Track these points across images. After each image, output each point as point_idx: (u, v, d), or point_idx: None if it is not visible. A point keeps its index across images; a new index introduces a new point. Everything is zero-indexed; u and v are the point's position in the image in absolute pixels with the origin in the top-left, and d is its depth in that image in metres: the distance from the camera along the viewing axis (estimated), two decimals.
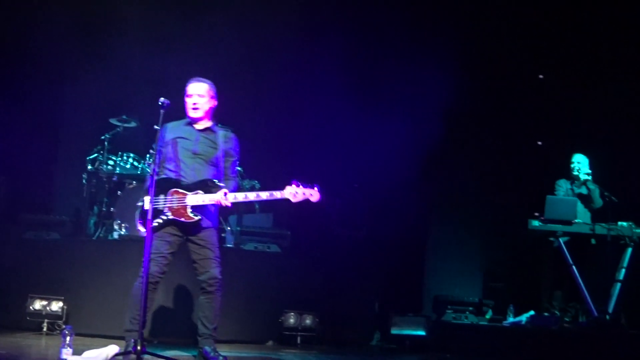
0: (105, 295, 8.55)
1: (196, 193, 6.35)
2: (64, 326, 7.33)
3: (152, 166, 6.18)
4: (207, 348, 6.45)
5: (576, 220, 9.30)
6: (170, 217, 6.30)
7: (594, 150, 10.23)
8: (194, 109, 6.54)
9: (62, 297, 8.50)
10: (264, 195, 6.53)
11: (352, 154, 11.44)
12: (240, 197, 6.56)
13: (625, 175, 10.60)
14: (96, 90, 11.23)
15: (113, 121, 9.88)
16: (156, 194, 6.32)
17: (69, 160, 11.41)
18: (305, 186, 6.45)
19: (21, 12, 10.84)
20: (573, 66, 11.45)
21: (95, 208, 10.01)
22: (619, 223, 9.19)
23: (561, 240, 9.25)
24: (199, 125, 6.61)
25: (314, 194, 6.46)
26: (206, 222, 6.47)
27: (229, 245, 10.02)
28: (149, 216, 6.01)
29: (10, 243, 9.49)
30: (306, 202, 6.46)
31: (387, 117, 11.27)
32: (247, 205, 10.65)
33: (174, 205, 6.30)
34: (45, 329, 8.44)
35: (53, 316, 8.47)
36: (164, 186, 6.39)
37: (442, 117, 11.30)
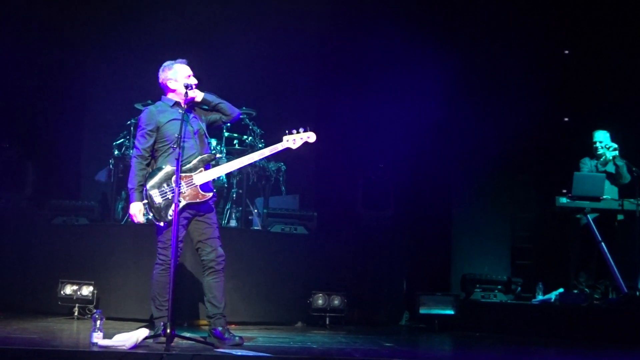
0: (135, 279, 8.63)
1: (199, 171, 6.38)
2: (94, 310, 7.42)
3: (177, 150, 6.16)
4: (220, 329, 6.45)
5: (604, 197, 9.21)
6: (184, 202, 6.29)
7: (621, 125, 10.15)
8: (188, 93, 6.45)
9: (92, 282, 8.60)
10: (267, 151, 6.69)
11: (376, 133, 11.42)
12: (246, 160, 6.67)
13: None
14: (122, 75, 11.30)
15: (138, 106, 9.90)
16: (159, 186, 6.32)
17: (95, 146, 11.49)
18: (299, 131, 6.59)
19: None
20: (599, 40, 11.32)
21: (123, 193, 10.06)
22: None
23: (589, 217, 9.17)
24: (183, 105, 6.49)
25: (310, 136, 6.63)
26: (212, 198, 6.52)
27: (256, 228, 10.06)
28: (175, 200, 6.03)
29: (40, 229, 9.60)
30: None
31: (409, 95, 11.24)
32: (274, 188, 10.70)
33: (184, 190, 6.30)
34: (76, 314, 8.55)
35: (84, 300, 8.57)
36: (164, 177, 6.35)
37: (467, 94, 11.26)
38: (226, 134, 10.17)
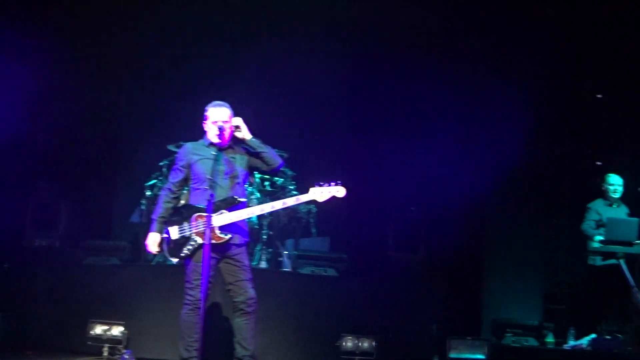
0: (165, 319, 8.61)
1: (221, 213, 6.38)
2: (124, 351, 7.44)
3: (209, 191, 6.21)
4: None
5: (636, 242, 9.11)
6: (200, 241, 6.32)
7: None
8: (220, 135, 6.53)
9: (123, 322, 8.60)
10: (290, 201, 6.68)
11: (408, 176, 11.42)
12: (267, 207, 6.70)
13: None
14: (155, 116, 11.44)
15: (171, 147, 10.00)
16: (179, 222, 6.39)
17: (128, 187, 11.59)
18: (330, 184, 6.56)
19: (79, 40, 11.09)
20: (631, 85, 11.33)
21: None
22: None
23: (622, 261, 9.08)
24: (214, 145, 6.60)
25: (340, 190, 6.58)
26: (239, 239, 6.54)
27: (286, 269, 10.05)
28: (205, 241, 6.05)
29: (71, 269, 9.64)
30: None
31: (442, 139, 11.25)
32: (304, 230, 10.70)
33: (201, 229, 6.32)
34: (106, 354, 8.53)
35: (114, 341, 8.55)
36: (185, 214, 6.45)
37: (499, 139, 11.24)
38: (258, 176, 10.21)
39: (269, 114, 11.34)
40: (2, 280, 9.60)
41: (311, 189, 6.58)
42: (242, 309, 6.47)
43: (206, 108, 6.75)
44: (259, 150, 6.68)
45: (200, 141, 6.79)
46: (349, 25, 11.67)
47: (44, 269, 9.63)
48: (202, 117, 6.80)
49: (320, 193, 6.55)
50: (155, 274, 9.17)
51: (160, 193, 6.73)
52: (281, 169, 10.10)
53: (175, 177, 6.65)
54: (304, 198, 6.61)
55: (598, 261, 9.36)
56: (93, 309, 8.90)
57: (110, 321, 8.60)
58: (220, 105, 6.70)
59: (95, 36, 11.27)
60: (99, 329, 8.57)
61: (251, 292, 6.50)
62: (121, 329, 8.57)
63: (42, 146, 10.85)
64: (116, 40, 11.45)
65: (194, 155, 6.63)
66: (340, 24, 11.62)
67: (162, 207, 6.57)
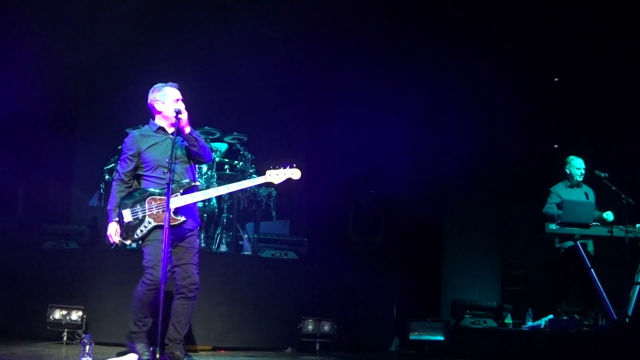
0: (124, 304, 8.47)
1: (175, 196, 6.34)
2: (83, 335, 7.38)
3: (168, 174, 6.17)
4: (177, 353, 6.42)
5: (593, 223, 9.23)
6: (154, 223, 6.29)
7: (613, 153, 10.22)
8: (177, 114, 6.34)
9: (82, 307, 8.53)
10: (246, 183, 6.72)
11: (368, 160, 11.45)
12: (223, 189, 6.69)
13: None
14: (114, 98, 11.32)
15: (129, 130, 9.89)
16: (132, 205, 6.35)
17: (86, 170, 11.49)
18: (285, 167, 6.57)
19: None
20: (588, 68, 11.44)
21: None
22: (637, 225, 9.13)
23: (579, 243, 9.18)
24: (170, 130, 6.54)
25: (295, 173, 6.59)
26: (192, 223, 6.51)
27: (246, 253, 10.05)
28: (166, 224, 6.02)
29: (30, 253, 9.54)
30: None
31: (403, 123, 11.29)
32: (264, 213, 10.70)
33: (154, 211, 6.30)
34: (65, 338, 8.46)
35: (73, 325, 8.49)
36: (138, 197, 6.40)
37: (458, 123, 11.32)
38: (217, 159, 10.18)
39: (228, 97, 11.31)
40: None
41: (267, 172, 6.58)
42: (183, 293, 6.43)
43: (159, 88, 6.59)
44: (193, 146, 6.53)
45: (146, 127, 6.69)
46: (309, 5, 11.63)
47: (1, 254, 9.51)
48: (150, 101, 6.65)
49: (276, 175, 6.55)
50: (114, 258, 9.10)
51: (112, 184, 6.65)
52: (237, 147, 10.26)
53: (125, 167, 6.54)
54: (259, 180, 6.62)
55: (556, 243, 9.48)
56: (52, 293, 8.82)
57: (69, 306, 8.54)
58: (174, 86, 6.63)
59: (53, 21, 11.12)
60: (58, 314, 8.51)
61: (195, 278, 6.45)
62: (80, 313, 8.51)
63: None
64: (72, 25, 11.30)
65: (142, 143, 6.54)
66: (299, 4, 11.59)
67: (116, 197, 6.50)
